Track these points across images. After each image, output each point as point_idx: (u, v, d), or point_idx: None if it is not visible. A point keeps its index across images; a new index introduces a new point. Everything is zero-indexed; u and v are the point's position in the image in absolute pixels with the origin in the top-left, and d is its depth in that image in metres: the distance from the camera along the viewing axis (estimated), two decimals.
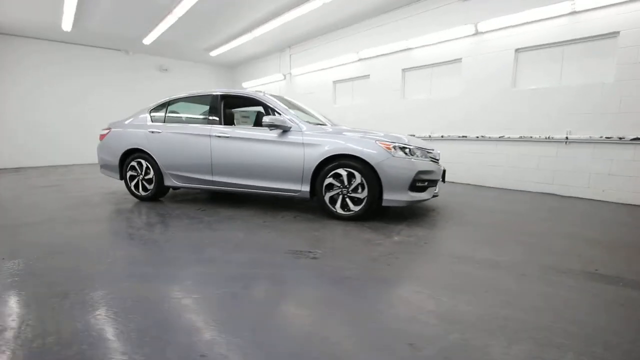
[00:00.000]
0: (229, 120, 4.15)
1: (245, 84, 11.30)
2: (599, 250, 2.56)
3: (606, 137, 4.28)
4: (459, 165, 5.81)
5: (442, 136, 5.98)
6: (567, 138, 4.61)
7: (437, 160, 3.64)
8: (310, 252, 2.46)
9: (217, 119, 3.90)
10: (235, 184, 3.75)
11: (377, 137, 3.26)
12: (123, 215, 3.59)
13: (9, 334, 1.41)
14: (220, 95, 3.98)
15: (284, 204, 4.07)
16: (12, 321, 1.52)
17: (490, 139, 5.38)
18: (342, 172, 3.26)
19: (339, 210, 3.35)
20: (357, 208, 3.28)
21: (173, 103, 4.27)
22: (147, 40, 8.32)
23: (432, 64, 6.09)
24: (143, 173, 4.18)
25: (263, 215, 3.58)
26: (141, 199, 4.29)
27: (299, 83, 9.16)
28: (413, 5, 6.09)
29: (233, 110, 5.05)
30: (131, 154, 4.25)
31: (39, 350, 1.30)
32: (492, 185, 5.47)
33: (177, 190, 5.02)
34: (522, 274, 2.10)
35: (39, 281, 1.95)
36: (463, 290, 1.86)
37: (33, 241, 2.69)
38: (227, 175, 3.77)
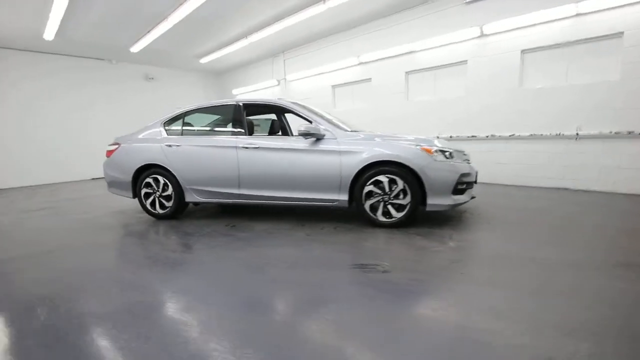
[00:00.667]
0: (251, 130, 3.99)
1: (235, 91, 11.04)
2: None
3: (615, 132, 4.47)
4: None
5: (450, 136, 6.07)
6: (577, 134, 4.78)
7: (469, 161, 3.66)
8: (376, 265, 2.37)
9: (242, 129, 3.73)
10: (265, 196, 3.59)
11: (417, 142, 3.22)
12: (149, 238, 3.34)
13: None
14: (243, 104, 3.81)
15: (317, 214, 3.94)
16: None
17: (500, 138, 5.50)
18: (382, 178, 3.20)
19: (381, 218, 3.28)
20: (399, 215, 3.22)
21: (189, 114, 4.05)
22: (135, 48, 7.93)
23: (437, 66, 6.17)
24: (160, 190, 3.93)
25: (301, 227, 3.44)
26: (158, 217, 4.02)
27: (295, 88, 9.04)
28: (415, 9, 6.16)
29: (220, 119, 4.87)
30: (145, 170, 3.98)
31: None
32: (503, 183, 5.59)
33: (191, 208, 4.77)
34: (600, 272, 2.10)
35: None
36: (560, 294, 1.83)
37: (44, 285, 2.42)
38: (256, 188, 3.60)
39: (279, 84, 9.47)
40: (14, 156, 8.02)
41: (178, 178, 3.83)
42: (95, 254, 2.86)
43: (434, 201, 3.14)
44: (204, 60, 9.50)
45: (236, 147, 3.62)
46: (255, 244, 2.96)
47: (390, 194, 3.21)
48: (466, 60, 5.76)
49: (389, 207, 3.24)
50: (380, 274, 2.22)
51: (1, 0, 5.44)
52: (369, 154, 3.22)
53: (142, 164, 3.95)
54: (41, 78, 8.29)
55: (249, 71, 10.47)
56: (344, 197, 3.35)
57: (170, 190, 3.89)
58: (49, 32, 6.56)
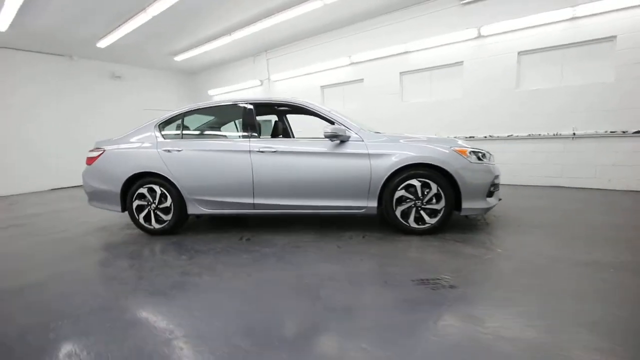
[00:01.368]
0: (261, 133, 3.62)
1: (211, 92, 10.42)
2: None
3: (610, 132, 4.67)
4: None
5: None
6: (574, 134, 4.94)
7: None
8: (437, 279, 2.14)
9: (254, 131, 3.36)
10: (284, 205, 3.25)
11: (451, 144, 3.08)
12: (154, 260, 2.87)
13: None
14: (254, 103, 3.44)
15: (334, 223, 3.64)
16: None
17: (498, 138, 5.57)
18: (415, 182, 3.00)
19: (413, 225, 3.07)
20: (433, 220, 3.04)
21: (190, 115, 3.60)
22: (103, 43, 7.14)
23: (432, 67, 6.16)
24: (157, 201, 3.43)
25: (326, 238, 3.14)
26: (153, 233, 3.51)
27: (280, 89, 8.68)
28: (410, 9, 6.10)
29: (227, 120, 4.50)
30: (137, 180, 3.46)
31: None
32: (502, 183, 5.65)
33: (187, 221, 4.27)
34: None
35: None
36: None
37: None
38: (273, 197, 3.25)
39: (261, 84, 9.05)
40: None
41: (179, 187, 3.36)
42: (95, 289, 2.36)
43: (470, 205, 3.00)
44: (179, 58, 8.83)
45: (249, 151, 3.24)
46: (288, 261, 2.62)
47: (422, 199, 3.02)
48: (462, 62, 5.79)
49: (422, 212, 3.05)
50: (449, 289, 2.00)
51: None
52: (400, 156, 3.01)
53: (134, 173, 3.43)
54: None
55: (228, 71, 9.92)
56: (373, 203, 3.11)
57: (168, 202, 3.41)
58: (3, 22, 5.67)
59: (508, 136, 5.48)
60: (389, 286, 2.09)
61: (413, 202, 3.04)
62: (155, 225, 3.48)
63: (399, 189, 3.03)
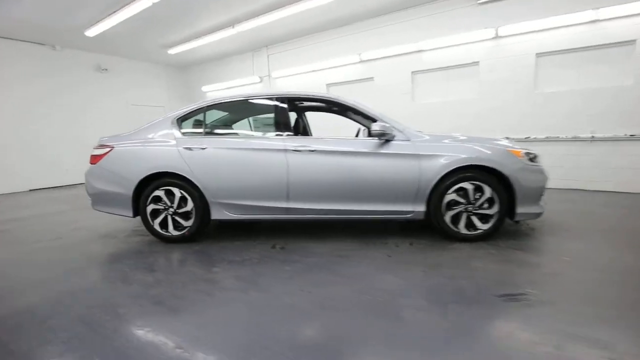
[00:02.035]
0: (298, 130, 3.32)
1: (205, 88, 9.92)
2: None
3: (630, 135, 4.67)
4: None
5: None
6: (592, 136, 4.92)
7: None
8: (522, 294, 1.93)
9: (288, 128, 3.05)
10: (321, 209, 2.95)
11: (505, 144, 2.90)
12: (183, 272, 2.51)
13: None
14: (288, 98, 3.13)
15: (374, 229, 3.33)
16: None
17: (516, 140, 5.49)
18: (467, 185, 2.80)
19: (463, 231, 2.86)
20: (485, 226, 2.84)
21: (212, 108, 3.24)
22: (93, 31, 6.55)
23: (446, 67, 6.02)
24: (175, 205, 3.05)
25: (370, 246, 2.88)
26: (170, 240, 3.13)
27: (281, 87, 8.33)
28: (425, 7, 5.94)
29: (256, 116, 4.21)
30: (152, 181, 3.07)
31: None
32: None
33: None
34: None
35: None
36: None
37: None
38: (310, 200, 2.95)
39: (261, 81, 8.67)
40: None
41: (202, 190, 3.00)
42: (126, 314, 1.99)
43: (524, 210, 2.83)
44: (173, 51, 8.29)
45: (285, 150, 2.92)
46: (339, 273, 2.34)
47: (474, 203, 2.82)
48: (478, 62, 5.68)
49: (474, 218, 2.85)
50: (543, 305, 1.79)
51: None
52: (452, 157, 2.79)
53: (150, 173, 3.03)
54: None
55: (225, 66, 9.46)
56: (421, 208, 2.88)
57: (189, 206, 3.03)
58: None
59: (525, 138, 5.41)
60: (476, 304, 1.86)
61: (464, 207, 2.83)
62: (172, 232, 3.10)
63: (449, 192, 2.81)
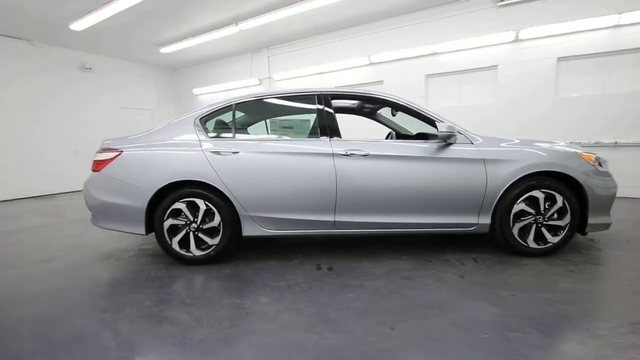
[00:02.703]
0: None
1: (196, 90, 9.36)
2: None
3: None
4: None
5: None
6: (615, 142, 4.84)
7: None
8: None
9: (334, 130, 2.66)
10: (374, 223, 2.57)
11: (575, 148, 2.66)
12: (224, 307, 2.03)
13: None
14: (335, 95, 2.77)
15: (426, 244, 2.98)
16: None
17: None
18: (538, 194, 2.51)
19: (532, 244, 2.57)
20: (555, 239, 2.56)
21: (242, 106, 2.81)
22: (80, 25, 5.92)
23: (462, 71, 5.85)
24: (199, 220, 2.58)
25: (431, 264, 2.51)
26: (192, 262, 2.64)
27: (284, 89, 7.92)
28: (440, 8, 5.76)
29: (273, 119, 3.82)
30: (170, 191, 2.58)
31: None
32: None
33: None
34: None
35: None
36: None
37: None
38: (362, 213, 2.56)
39: (261, 84, 8.23)
40: None
41: (234, 201, 2.55)
42: None
43: (596, 220, 2.57)
44: (165, 50, 7.72)
45: (332, 155, 2.53)
46: (417, 301, 1.96)
47: (544, 214, 2.53)
48: (496, 65, 5.53)
49: (543, 230, 2.56)
50: None
51: None
52: (522, 162, 2.50)
53: (170, 182, 2.55)
54: None
55: (220, 67, 8.95)
56: (486, 219, 2.56)
57: (216, 221, 2.57)
58: None
59: None
60: (602, 339, 1.52)
61: (533, 218, 2.54)
62: (195, 251, 2.62)
63: (518, 201, 2.51)
